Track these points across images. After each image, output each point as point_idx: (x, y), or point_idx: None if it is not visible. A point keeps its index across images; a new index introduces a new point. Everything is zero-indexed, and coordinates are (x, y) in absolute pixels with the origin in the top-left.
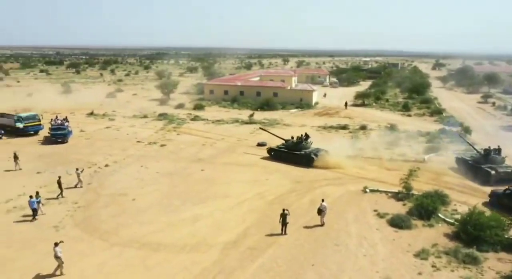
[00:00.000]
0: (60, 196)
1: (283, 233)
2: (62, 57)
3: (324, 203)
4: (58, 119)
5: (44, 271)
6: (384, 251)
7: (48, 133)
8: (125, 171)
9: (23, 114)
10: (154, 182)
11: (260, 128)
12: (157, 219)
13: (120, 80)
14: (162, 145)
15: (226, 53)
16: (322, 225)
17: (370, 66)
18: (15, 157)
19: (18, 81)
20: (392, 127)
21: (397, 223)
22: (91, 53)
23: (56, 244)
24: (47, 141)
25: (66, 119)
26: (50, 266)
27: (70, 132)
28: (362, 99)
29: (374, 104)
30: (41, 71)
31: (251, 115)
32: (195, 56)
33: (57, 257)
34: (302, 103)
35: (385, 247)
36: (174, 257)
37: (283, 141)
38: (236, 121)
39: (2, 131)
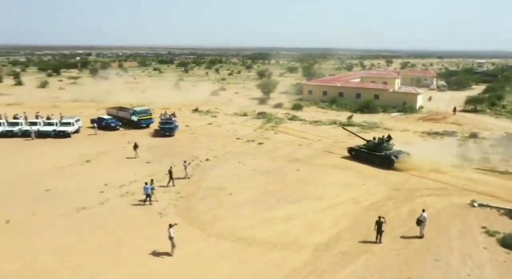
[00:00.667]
0: (172, 184)
1: (378, 241)
2: (173, 57)
3: (424, 214)
4: (166, 114)
5: (148, 252)
6: (492, 273)
7: (158, 126)
8: (224, 166)
9: (138, 109)
10: (250, 179)
11: (343, 128)
12: (251, 215)
13: (223, 79)
14: (259, 143)
15: (327, 54)
16: (421, 237)
17: (485, 68)
18: (135, 146)
19: (135, 78)
20: (509, 137)
21: (509, 243)
22: (198, 53)
23: (170, 226)
24: (156, 134)
25: (174, 115)
26: (154, 247)
27: (176, 126)
28: (474, 105)
29: (488, 110)
30: (154, 69)
31: (350, 117)
32: (295, 57)
33: (170, 238)
34: (405, 106)
35: (494, 268)
36: (266, 254)
37: (365, 142)
38: (334, 122)
39: (120, 123)
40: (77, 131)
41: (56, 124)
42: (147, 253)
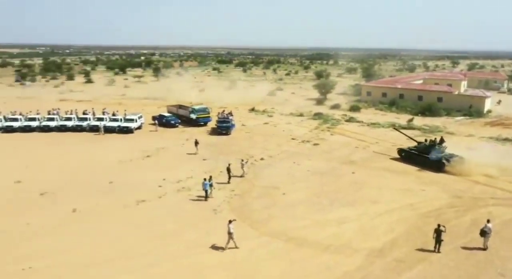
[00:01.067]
0: (228, 182)
1: (436, 250)
2: (232, 57)
3: (489, 225)
4: (224, 113)
5: (202, 246)
6: None
7: (215, 125)
8: (279, 166)
9: (196, 107)
10: (304, 179)
11: (394, 128)
12: (304, 216)
13: (280, 79)
14: (315, 144)
15: (388, 54)
16: (484, 249)
17: None
18: (196, 143)
19: (195, 77)
20: None
21: None
22: (257, 53)
23: (230, 222)
24: (213, 132)
25: (230, 114)
26: (208, 242)
27: (233, 125)
28: None
29: None
30: (214, 69)
31: (410, 120)
32: (355, 57)
33: (229, 233)
34: (471, 110)
35: None
36: (318, 255)
37: (416, 143)
38: (393, 125)
39: (179, 121)
40: (139, 127)
41: (121, 120)
42: (201, 248)
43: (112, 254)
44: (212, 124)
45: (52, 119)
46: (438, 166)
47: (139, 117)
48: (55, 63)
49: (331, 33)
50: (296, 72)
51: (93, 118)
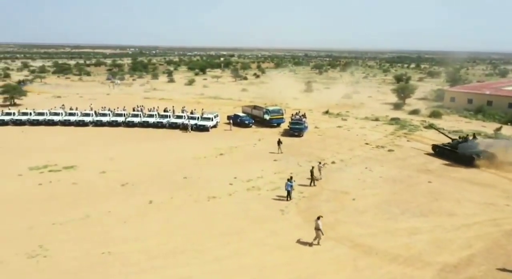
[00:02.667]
0: (313, 184)
1: None
2: (309, 59)
3: None
4: (297, 115)
5: (267, 245)
6: None
7: (288, 126)
8: (350, 170)
9: (270, 108)
10: (375, 186)
11: (431, 126)
12: (373, 223)
13: (357, 82)
14: (389, 150)
15: (477, 58)
16: None
17: None
18: (279, 142)
19: (271, 79)
20: None
21: None
22: (334, 55)
23: (318, 218)
24: (285, 133)
25: (304, 116)
26: (274, 242)
27: (306, 127)
28: None
29: None
30: (290, 70)
31: (498, 129)
32: (438, 60)
33: (317, 229)
34: None
35: None
36: (385, 265)
37: (450, 140)
38: (478, 133)
39: (253, 121)
40: (215, 126)
41: (198, 118)
42: (266, 247)
43: (182, 246)
44: (285, 125)
45: (136, 116)
46: (468, 160)
47: (215, 116)
48: (142, 63)
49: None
50: (374, 75)
51: (173, 116)
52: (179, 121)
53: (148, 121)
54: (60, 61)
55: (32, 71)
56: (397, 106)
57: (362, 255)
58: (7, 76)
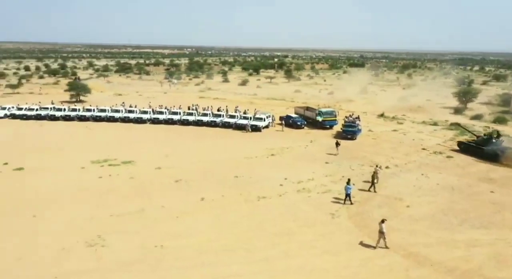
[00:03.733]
0: (373, 190)
1: None
2: (365, 60)
3: None
4: (351, 117)
5: (316, 248)
6: None
7: (341, 128)
8: (404, 176)
9: (323, 109)
10: (432, 193)
11: (457, 125)
12: (428, 232)
13: (415, 85)
14: (448, 157)
15: None
16: None
17: None
18: (337, 144)
19: (325, 80)
20: None
21: None
22: (391, 56)
23: (382, 221)
24: (338, 135)
25: (358, 118)
26: (323, 245)
27: (359, 130)
28: None
29: None
30: (344, 72)
31: None
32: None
33: (381, 232)
34: None
35: None
36: (440, 277)
37: (475, 137)
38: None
39: (305, 122)
40: (267, 126)
41: (250, 118)
42: (316, 250)
43: (232, 244)
44: (337, 127)
45: (191, 114)
46: (493, 157)
47: (268, 117)
48: (198, 63)
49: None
50: (434, 78)
51: (226, 115)
52: (232, 120)
53: (202, 120)
54: (122, 61)
55: (97, 70)
56: (457, 111)
57: (415, 265)
58: (74, 74)
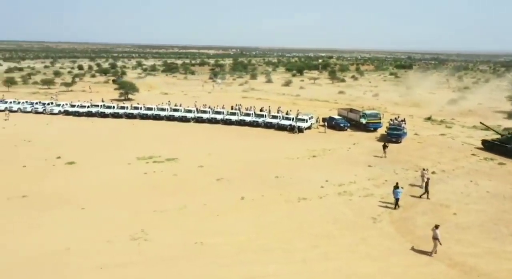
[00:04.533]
0: (426, 197)
1: None
2: (413, 61)
3: None
4: (396, 120)
5: (356, 253)
6: None
7: (385, 131)
8: (452, 183)
9: (367, 112)
10: (481, 201)
11: (481, 123)
12: (476, 242)
13: (466, 88)
14: (500, 163)
15: None
16: None
17: None
18: (385, 146)
19: (370, 82)
20: None
21: None
22: (441, 58)
23: (436, 227)
24: (382, 138)
25: (403, 121)
26: (363, 250)
27: (405, 133)
28: None
29: None
30: (391, 73)
31: None
32: None
33: (435, 238)
34: None
35: None
36: None
37: (499, 136)
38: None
39: (348, 124)
40: (309, 128)
41: (292, 119)
42: (356, 254)
43: (271, 244)
44: (382, 130)
45: (234, 114)
46: None
47: (310, 118)
48: (242, 63)
49: None
50: (487, 81)
51: (268, 116)
52: (274, 121)
53: (244, 120)
54: (168, 61)
55: (145, 69)
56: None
57: (461, 276)
58: (123, 73)
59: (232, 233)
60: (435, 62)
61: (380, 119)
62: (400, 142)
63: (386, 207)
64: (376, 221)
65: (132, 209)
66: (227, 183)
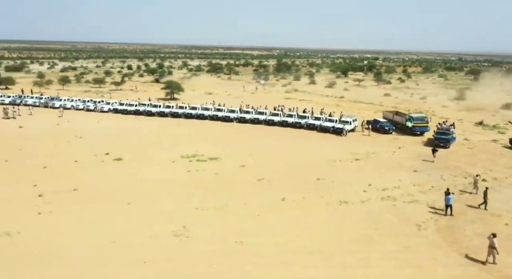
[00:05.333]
0: (484, 207)
1: None
2: (463, 63)
3: None
4: (445, 124)
5: (398, 260)
6: None
7: (433, 136)
8: (505, 191)
9: (414, 115)
10: None
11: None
12: None
13: None
14: None
15: None
16: None
17: None
18: (434, 150)
19: (417, 84)
20: None
21: None
22: (495, 60)
23: (494, 235)
24: (429, 143)
25: (453, 125)
26: (407, 257)
27: (454, 138)
28: None
29: None
30: (440, 76)
31: None
32: None
33: (492, 247)
34: None
35: None
36: None
37: None
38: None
39: (393, 127)
40: (352, 130)
41: (336, 121)
42: (398, 262)
43: (310, 246)
44: (429, 134)
45: (276, 115)
46: None
47: (354, 120)
48: (285, 64)
49: None
50: None
51: (311, 117)
52: (317, 122)
53: (287, 121)
54: (213, 61)
55: (190, 70)
56: None
57: None
58: (170, 73)
59: (272, 233)
60: (488, 64)
61: (427, 123)
62: (448, 147)
63: (434, 213)
64: (421, 229)
65: (175, 206)
66: (268, 183)
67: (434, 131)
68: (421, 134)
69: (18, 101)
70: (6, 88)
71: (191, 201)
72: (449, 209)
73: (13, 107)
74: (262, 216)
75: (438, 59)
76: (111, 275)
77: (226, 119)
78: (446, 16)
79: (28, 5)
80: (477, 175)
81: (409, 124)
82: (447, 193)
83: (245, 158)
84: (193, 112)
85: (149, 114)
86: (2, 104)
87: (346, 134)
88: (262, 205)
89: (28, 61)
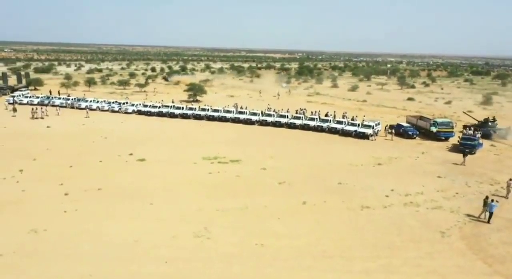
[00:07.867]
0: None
1: None
2: (490, 68)
3: None
4: (470, 129)
5: (422, 267)
6: None
7: (458, 141)
8: None
9: (439, 120)
10: None
11: None
12: None
13: None
14: None
15: None
16: None
17: None
18: (465, 154)
19: (442, 88)
20: None
21: None
22: None
23: None
24: (454, 148)
25: (478, 131)
26: (430, 265)
27: (480, 144)
28: None
29: None
30: (465, 80)
31: None
32: None
33: None
34: None
35: None
36: None
37: None
38: None
39: (417, 132)
40: (375, 134)
41: (358, 125)
42: (421, 269)
43: (331, 251)
44: (454, 140)
45: (298, 118)
46: None
47: (376, 124)
48: (307, 67)
49: None
50: None
51: (333, 121)
52: (339, 126)
53: (308, 124)
54: (235, 64)
55: (212, 72)
56: None
57: None
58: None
59: (292, 236)
60: None
61: (452, 128)
62: (474, 153)
63: (457, 221)
64: (444, 236)
65: (196, 207)
66: (288, 186)
67: (459, 136)
68: (446, 139)
69: (46, 102)
70: (35, 89)
71: (212, 202)
72: (490, 216)
73: (41, 108)
74: (283, 219)
75: (464, 63)
76: (133, 273)
77: (247, 122)
78: (473, 20)
79: (57, 9)
80: (510, 179)
81: (433, 129)
82: (492, 200)
83: (266, 161)
84: (215, 114)
85: (172, 116)
86: (31, 104)
87: (375, 138)
88: (282, 208)
89: (56, 63)
